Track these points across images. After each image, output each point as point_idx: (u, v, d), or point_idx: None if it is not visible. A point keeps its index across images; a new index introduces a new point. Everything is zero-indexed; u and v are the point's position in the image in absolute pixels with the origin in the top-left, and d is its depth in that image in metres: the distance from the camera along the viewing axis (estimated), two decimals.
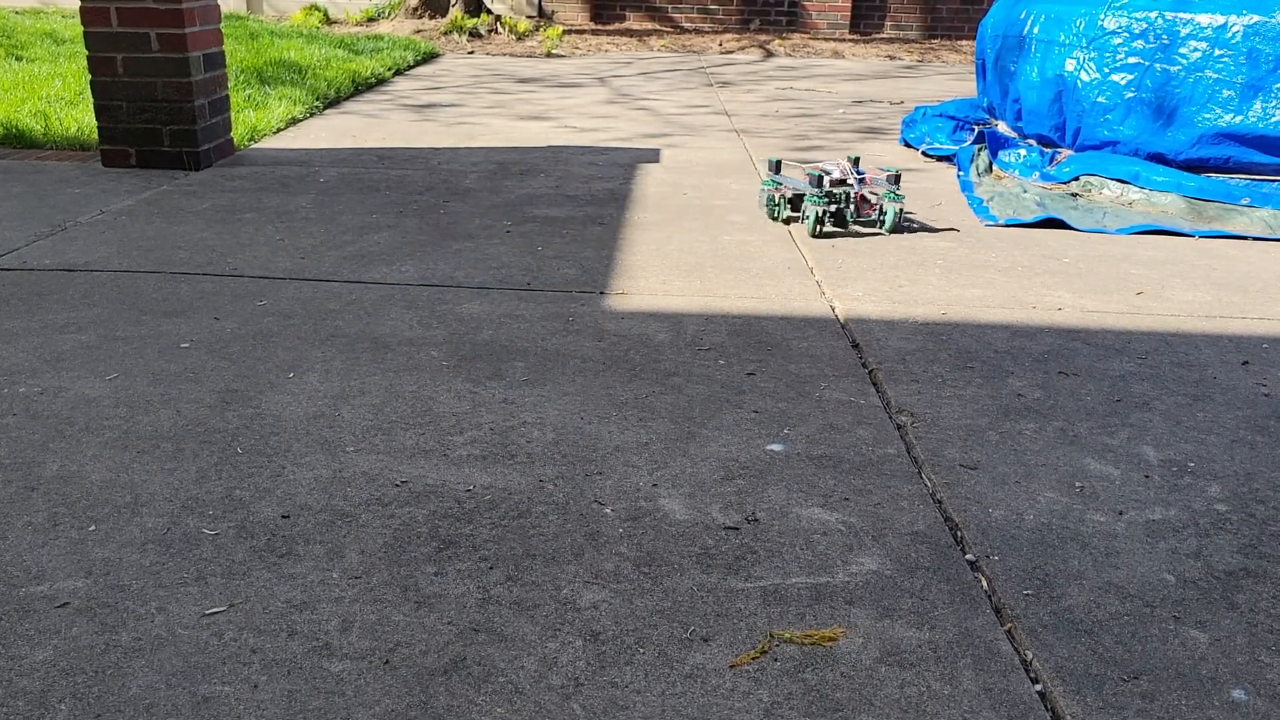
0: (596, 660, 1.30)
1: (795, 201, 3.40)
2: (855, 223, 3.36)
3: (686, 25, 10.61)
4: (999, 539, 1.59)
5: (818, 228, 3.22)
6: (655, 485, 1.72)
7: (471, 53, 8.58)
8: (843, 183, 3.34)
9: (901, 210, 3.30)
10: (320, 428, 1.89)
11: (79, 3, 3.74)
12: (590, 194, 3.74)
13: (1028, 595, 1.45)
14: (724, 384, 2.13)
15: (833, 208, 3.26)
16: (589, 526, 1.60)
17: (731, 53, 9.15)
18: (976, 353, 2.32)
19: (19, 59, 6.13)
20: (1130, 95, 3.81)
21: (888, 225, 3.28)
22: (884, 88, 7.07)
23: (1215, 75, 3.63)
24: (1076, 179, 3.87)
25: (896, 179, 3.36)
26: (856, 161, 3.49)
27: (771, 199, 3.39)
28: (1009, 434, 1.94)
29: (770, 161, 3.54)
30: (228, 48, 5.91)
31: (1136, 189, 3.72)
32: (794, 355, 2.29)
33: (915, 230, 3.32)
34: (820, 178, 3.28)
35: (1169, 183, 3.66)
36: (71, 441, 1.82)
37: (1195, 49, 3.66)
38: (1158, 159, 3.80)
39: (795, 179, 3.48)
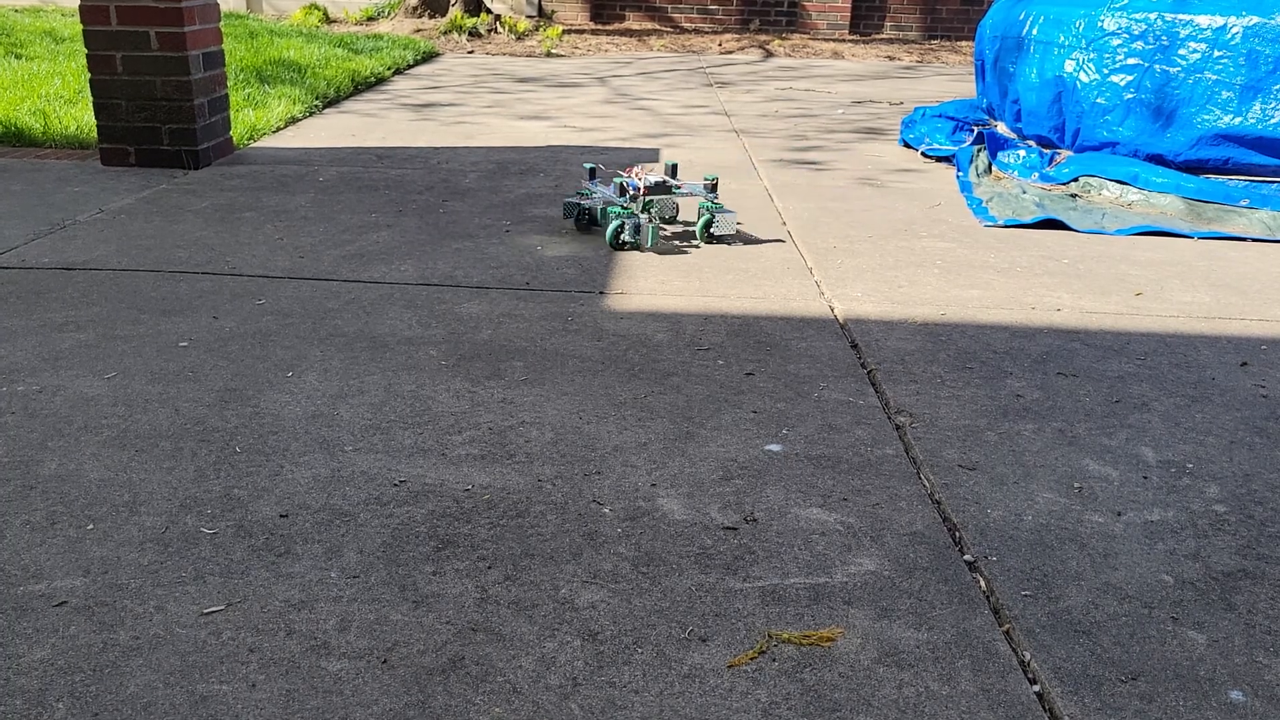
0: (595, 660, 1.30)
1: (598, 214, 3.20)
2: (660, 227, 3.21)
3: (686, 25, 10.61)
4: (997, 540, 1.59)
5: (618, 239, 3.03)
6: (654, 485, 1.72)
7: (471, 52, 8.58)
8: (663, 188, 3.19)
9: (713, 219, 3.12)
10: (319, 427, 1.89)
11: (78, 1, 3.74)
12: None
13: (1026, 596, 1.45)
14: (723, 384, 2.13)
15: (635, 221, 3.03)
16: (587, 526, 1.60)
17: (731, 53, 9.15)
18: (975, 353, 2.33)
19: (18, 57, 6.13)
20: (1129, 96, 3.81)
21: (698, 231, 3.13)
22: (883, 88, 7.07)
23: (1214, 77, 3.63)
24: (1076, 180, 3.87)
25: (713, 187, 3.20)
26: (674, 169, 3.32)
27: (576, 206, 3.20)
28: (1007, 435, 1.94)
29: (586, 168, 3.35)
30: (227, 46, 5.91)
31: (1135, 190, 3.72)
32: (793, 355, 2.29)
33: (734, 244, 3.12)
34: (622, 185, 3.15)
35: (1168, 184, 3.66)
36: (70, 440, 1.82)
37: (1194, 50, 3.67)
38: (1157, 160, 3.80)
39: (601, 186, 3.29)
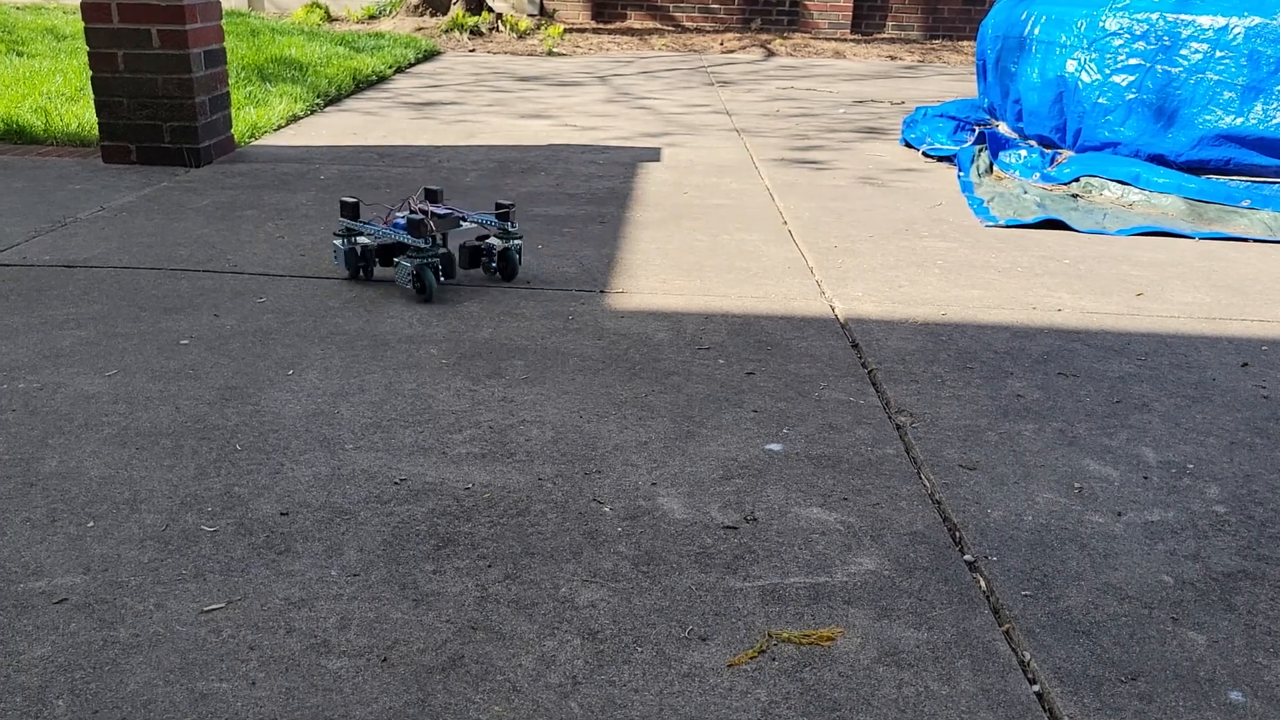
0: (595, 659, 1.30)
1: (386, 253, 2.66)
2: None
3: (688, 24, 10.61)
4: (997, 539, 1.59)
5: (430, 290, 2.54)
6: (654, 484, 1.72)
7: (472, 51, 8.58)
8: (452, 220, 2.62)
9: (517, 255, 2.71)
10: (319, 425, 1.89)
11: None
12: (590, 192, 3.74)
13: (1026, 596, 1.45)
14: (723, 383, 2.13)
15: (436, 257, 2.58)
16: (588, 525, 1.60)
17: (733, 52, 9.14)
18: (976, 353, 2.32)
19: (20, 55, 6.13)
20: (1131, 96, 3.81)
21: (511, 271, 2.70)
22: (885, 88, 7.07)
23: (1216, 77, 3.63)
24: (1077, 180, 3.87)
25: (507, 215, 2.68)
26: (437, 195, 2.73)
27: (352, 253, 2.65)
28: (1008, 435, 1.94)
29: (345, 203, 2.64)
30: (229, 45, 5.91)
31: (1137, 190, 3.72)
32: (793, 355, 2.29)
33: (535, 285, 2.68)
34: (420, 223, 2.51)
35: (1169, 184, 3.66)
36: (70, 437, 1.82)
37: (1196, 50, 3.66)
38: (1158, 160, 3.80)
39: (378, 225, 2.65)
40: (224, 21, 4.20)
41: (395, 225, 2.61)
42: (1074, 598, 1.45)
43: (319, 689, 1.23)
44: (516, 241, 2.71)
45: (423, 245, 2.53)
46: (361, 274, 2.70)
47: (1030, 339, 2.42)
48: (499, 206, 2.69)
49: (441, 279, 2.62)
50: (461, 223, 2.67)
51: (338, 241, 2.66)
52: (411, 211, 2.60)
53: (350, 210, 2.63)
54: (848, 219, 3.47)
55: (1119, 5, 3.85)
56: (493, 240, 2.71)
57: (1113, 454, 1.88)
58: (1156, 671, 1.31)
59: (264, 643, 1.31)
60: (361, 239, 2.66)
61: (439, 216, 2.58)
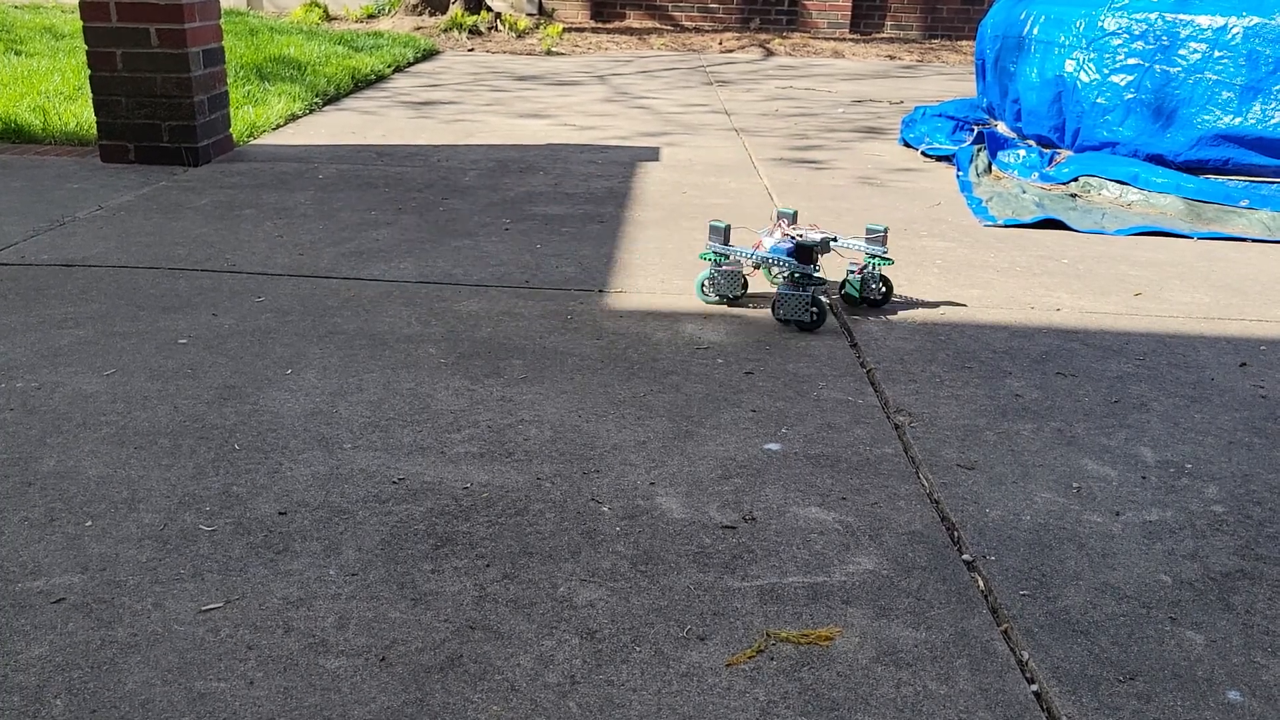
0: (593, 658, 1.30)
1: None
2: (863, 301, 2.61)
3: (687, 24, 10.61)
4: (996, 539, 1.59)
5: (825, 319, 2.43)
6: (653, 484, 1.72)
7: (471, 50, 8.58)
8: (825, 245, 2.50)
9: (888, 283, 2.60)
10: (318, 424, 1.89)
11: None
12: (589, 192, 3.74)
13: (1024, 595, 1.45)
14: (722, 383, 2.13)
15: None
16: (586, 525, 1.60)
17: (731, 51, 9.14)
18: (974, 353, 2.33)
19: (18, 54, 6.12)
20: (1130, 96, 3.81)
21: (887, 295, 2.61)
22: (884, 88, 7.07)
23: (1215, 77, 3.63)
24: (1075, 180, 3.87)
25: (883, 239, 2.54)
26: (794, 217, 2.63)
27: (730, 278, 2.56)
28: (1006, 434, 1.94)
29: (715, 228, 2.56)
30: (227, 44, 5.90)
31: (1135, 190, 3.72)
32: (792, 354, 2.29)
33: (898, 309, 2.59)
34: (811, 249, 2.43)
35: (1168, 184, 3.66)
36: (69, 437, 1.82)
37: (1195, 50, 3.67)
38: (1157, 160, 3.80)
39: (746, 248, 2.57)
40: (222, 20, 4.20)
41: (776, 250, 2.49)
42: (1072, 597, 1.45)
43: (317, 688, 1.23)
44: (889, 263, 2.57)
45: (812, 272, 2.43)
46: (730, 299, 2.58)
47: (1029, 339, 2.42)
48: (870, 231, 2.56)
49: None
50: (831, 245, 2.54)
51: (712, 269, 2.56)
52: (792, 236, 2.50)
53: (722, 235, 2.55)
54: (847, 218, 3.47)
55: (1117, 5, 3.85)
56: (869, 264, 2.58)
57: (1111, 454, 1.88)
58: (1154, 671, 1.31)
59: (262, 642, 1.31)
60: (726, 266, 2.56)
61: (816, 241, 2.46)
